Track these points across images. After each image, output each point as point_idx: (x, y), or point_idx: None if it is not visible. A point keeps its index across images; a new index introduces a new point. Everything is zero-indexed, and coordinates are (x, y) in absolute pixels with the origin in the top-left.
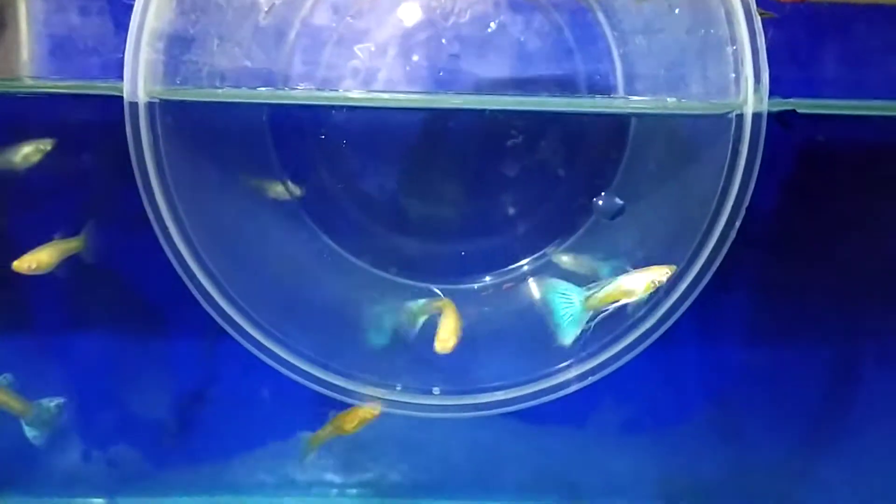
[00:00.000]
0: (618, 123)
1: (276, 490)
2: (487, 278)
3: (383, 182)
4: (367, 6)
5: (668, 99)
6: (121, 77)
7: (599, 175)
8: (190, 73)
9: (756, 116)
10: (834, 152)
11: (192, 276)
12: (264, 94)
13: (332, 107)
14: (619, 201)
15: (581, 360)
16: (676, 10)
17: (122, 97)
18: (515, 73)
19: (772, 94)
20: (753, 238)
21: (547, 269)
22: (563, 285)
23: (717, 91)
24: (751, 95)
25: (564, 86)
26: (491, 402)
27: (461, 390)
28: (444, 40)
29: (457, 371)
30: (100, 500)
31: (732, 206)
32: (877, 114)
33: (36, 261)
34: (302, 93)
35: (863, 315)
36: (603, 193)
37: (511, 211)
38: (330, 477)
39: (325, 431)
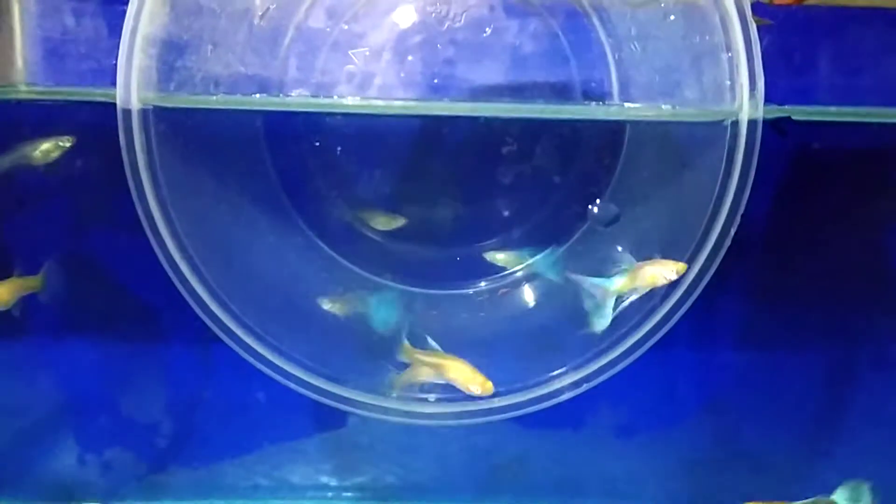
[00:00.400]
0: (613, 130)
1: (272, 494)
2: (482, 284)
3: (378, 187)
4: (363, 11)
5: (664, 106)
6: (115, 82)
7: (594, 181)
8: (184, 80)
9: (751, 123)
10: (828, 159)
11: (185, 282)
12: (258, 101)
13: (327, 113)
14: (614, 209)
15: (576, 367)
16: (671, 17)
17: (115, 104)
18: (511, 78)
19: (767, 100)
20: (748, 243)
21: (542, 276)
22: (590, 280)
23: (713, 98)
24: (746, 102)
25: (560, 91)
26: (486, 409)
27: (456, 397)
28: (439, 45)
29: None
30: None
31: (728, 213)
32: (871, 121)
33: None
34: (297, 100)
35: (857, 319)
36: (598, 201)
37: (506, 217)
38: (325, 480)
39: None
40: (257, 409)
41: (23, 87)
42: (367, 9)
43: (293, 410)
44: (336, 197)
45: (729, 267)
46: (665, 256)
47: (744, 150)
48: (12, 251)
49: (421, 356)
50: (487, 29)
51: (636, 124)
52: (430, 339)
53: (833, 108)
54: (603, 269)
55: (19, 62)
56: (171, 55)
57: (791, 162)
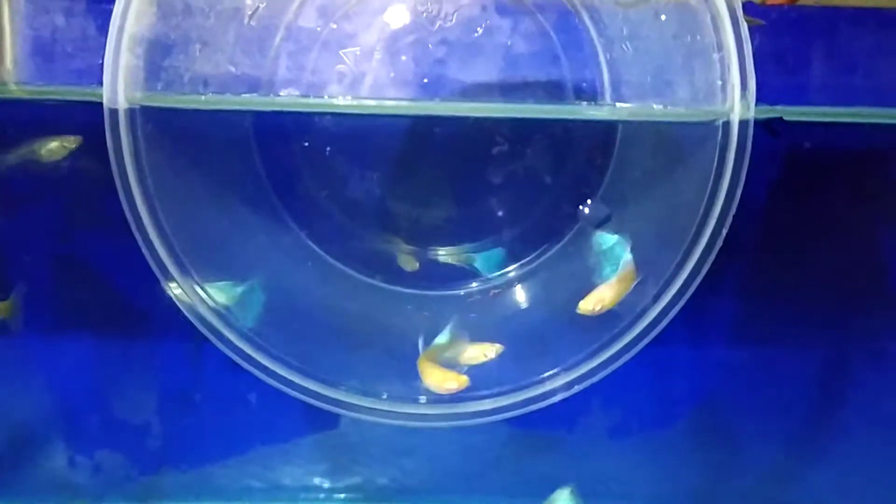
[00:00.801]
0: (604, 130)
1: (264, 495)
2: (474, 284)
3: (369, 188)
4: (354, 10)
5: (655, 106)
6: (101, 83)
7: (586, 182)
8: (171, 79)
9: (743, 123)
10: (820, 159)
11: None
12: (248, 101)
13: (318, 113)
14: (605, 209)
15: (569, 368)
16: (663, 17)
17: (102, 103)
18: (502, 77)
19: (758, 101)
20: (741, 243)
21: (534, 276)
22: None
23: (704, 98)
24: (737, 102)
25: (551, 91)
26: (478, 411)
27: (448, 398)
28: (430, 45)
29: None
30: None
31: (719, 214)
32: (863, 121)
33: None
34: (286, 99)
35: (850, 318)
36: (590, 201)
37: (497, 217)
38: (318, 481)
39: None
40: (249, 410)
41: (12, 87)
42: (359, 8)
43: (285, 411)
44: (326, 197)
45: (721, 266)
46: (657, 256)
47: (735, 151)
48: (5, 247)
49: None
50: (479, 28)
51: (628, 124)
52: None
53: (825, 109)
54: (594, 269)
55: (8, 61)
56: (159, 54)
57: (783, 162)
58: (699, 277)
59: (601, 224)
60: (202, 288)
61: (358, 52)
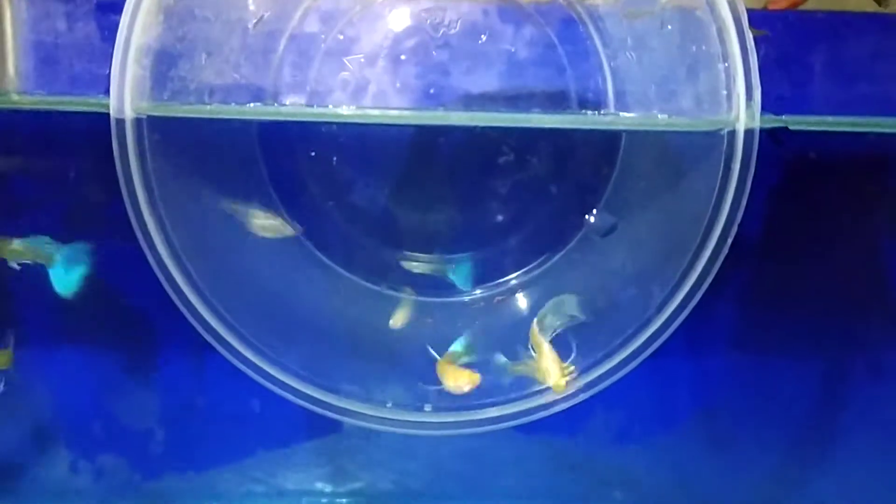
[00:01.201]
0: (608, 139)
1: (266, 500)
2: (478, 292)
3: (374, 196)
4: (357, 17)
5: (659, 115)
6: (108, 91)
7: (590, 190)
8: (178, 89)
9: (748, 133)
10: (825, 168)
11: (179, 291)
12: (252, 111)
13: (322, 123)
14: (611, 219)
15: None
16: (668, 27)
17: (108, 113)
18: (506, 86)
19: (763, 110)
20: (745, 252)
21: (537, 283)
22: None
23: (709, 108)
24: (742, 112)
25: (555, 100)
26: (483, 419)
27: (453, 406)
28: (434, 52)
29: None
30: None
31: (724, 223)
32: (868, 130)
33: None
34: (291, 109)
35: (852, 327)
36: (595, 210)
37: (502, 225)
38: (320, 486)
39: None
40: (251, 415)
41: (15, 97)
42: (362, 15)
43: (287, 416)
44: (331, 205)
45: (726, 275)
46: (662, 265)
47: (740, 160)
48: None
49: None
50: (483, 36)
51: (632, 133)
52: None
53: (829, 118)
54: (598, 279)
55: (11, 70)
56: (165, 64)
57: (788, 171)
58: (704, 286)
59: (606, 233)
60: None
61: (362, 60)
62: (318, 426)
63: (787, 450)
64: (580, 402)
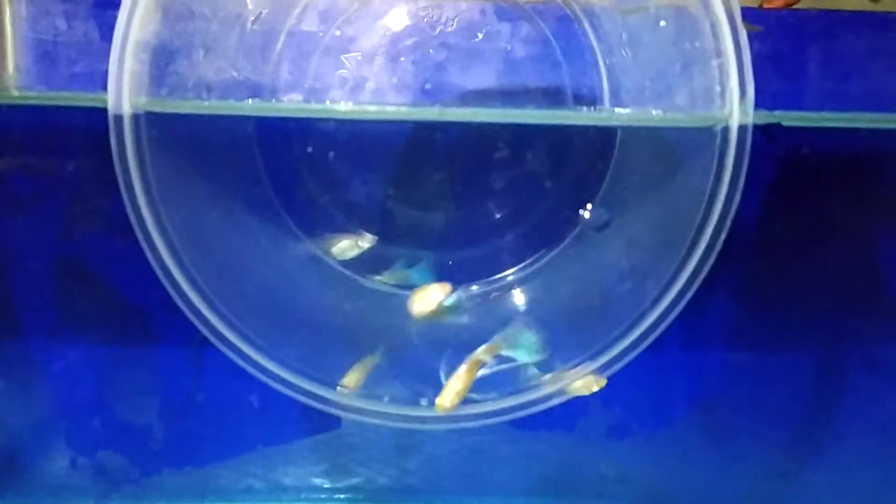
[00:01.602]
0: (604, 135)
1: (265, 496)
2: (474, 287)
3: (371, 192)
4: (355, 15)
5: (654, 111)
6: (106, 87)
7: (585, 186)
8: (175, 85)
9: (741, 129)
10: (818, 164)
11: (177, 286)
12: (250, 107)
13: (320, 119)
14: (605, 214)
15: (566, 371)
16: (662, 23)
17: (106, 109)
18: (502, 83)
19: (756, 106)
20: (739, 248)
21: (533, 279)
22: None
23: (703, 104)
24: (736, 108)
25: (551, 96)
26: (479, 413)
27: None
28: (431, 50)
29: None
30: None
31: (718, 218)
32: (861, 126)
33: None
34: (288, 105)
35: (846, 321)
36: (589, 206)
37: (498, 221)
38: (319, 482)
39: None
40: (250, 411)
41: (14, 92)
42: (360, 13)
43: (286, 412)
44: (328, 201)
45: (719, 270)
46: (656, 260)
47: (734, 156)
48: (4, 255)
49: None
50: (479, 34)
51: (627, 129)
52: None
53: (822, 114)
54: (594, 271)
55: (10, 67)
56: (163, 60)
57: (781, 167)
58: (698, 281)
59: (601, 228)
60: None
61: (359, 57)
62: (317, 422)
63: (784, 444)
64: (578, 398)
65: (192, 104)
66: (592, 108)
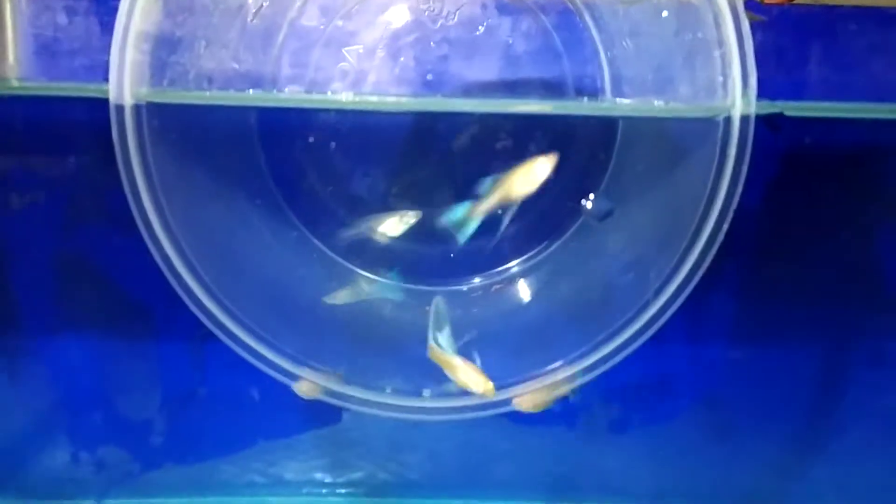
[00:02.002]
0: (605, 126)
1: (266, 490)
2: (476, 280)
3: (372, 184)
4: (356, 8)
5: (656, 102)
6: (107, 78)
7: (587, 177)
8: (177, 76)
9: (744, 119)
10: (821, 154)
11: (179, 278)
12: (252, 97)
13: (321, 110)
14: (608, 203)
15: (571, 362)
16: (664, 14)
17: (107, 100)
18: (504, 75)
19: (759, 97)
20: (741, 239)
21: (536, 271)
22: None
23: (705, 94)
24: (738, 98)
25: (553, 88)
26: (481, 404)
27: (451, 392)
28: (432, 43)
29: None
30: (88, 502)
31: (721, 209)
32: (864, 116)
33: None
34: (290, 96)
35: (850, 315)
36: (592, 196)
37: (500, 212)
38: (320, 476)
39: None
40: (251, 405)
41: (14, 83)
42: (361, 7)
43: (287, 407)
44: (330, 193)
45: (722, 261)
46: (660, 250)
47: (736, 146)
48: (9, 245)
49: (440, 356)
50: (480, 27)
51: (629, 120)
52: (439, 338)
53: (825, 104)
54: (596, 263)
55: (11, 58)
56: (164, 51)
57: (784, 158)
58: (701, 272)
59: (603, 218)
60: None
61: (360, 51)
62: (318, 417)
63: (788, 439)
64: (580, 392)
65: (194, 94)
66: (594, 98)
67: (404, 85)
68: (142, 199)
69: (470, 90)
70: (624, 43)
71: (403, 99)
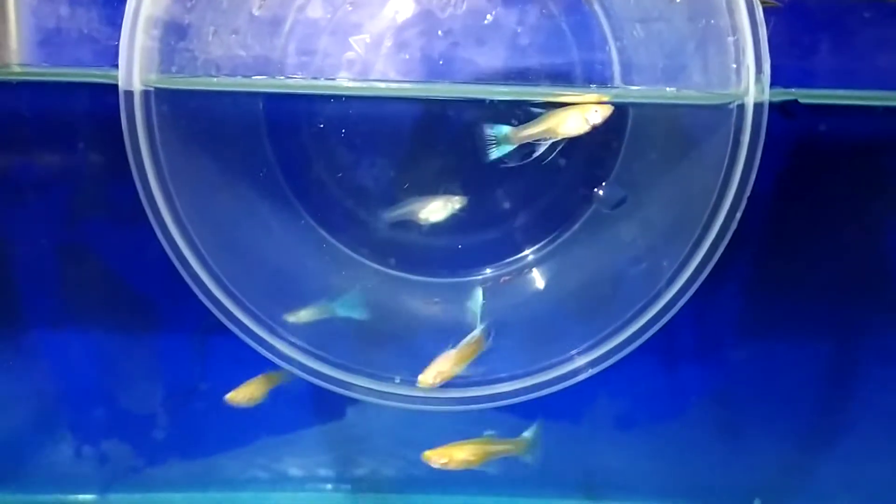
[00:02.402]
0: (617, 114)
1: (270, 486)
2: (488, 270)
3: (380, 173)
4: None
5: (668, 89)
6: (112, 66)
7: (599, 165)
8: (185, 62)
9: (757, 106)
10: (835, 142)
11: (187, 265)
12: (260, 83)
13: (328, 96)
14: (620, 191)
15: (581, 353)
16: (676, 0)
17: (116, 85)
18: (512, 63)
19: (773, 84)
20: (753, 230)
21: (547, 260)
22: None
23: (718, 81)
24: (752, 85)
25: (561, 76)
26: (489, 395)
27: (461, 383)
28: (440, 32)
29: None
30: (91, 496)
31: (734, 197)
32: (879, 104)
33: None
34: (297, 82)
35: (861, 310)
36: (604, 184)
37: (510, 202)
38: (324, 472)
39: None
40: None
41: (16, 68)
42: None
43: (291, 402)
44: (337, 183)
45: (733, 255)
46: (672, 238)
47: (750, 134)
48: (12, 237)
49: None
50: (489, 15)
51: (640, 107)
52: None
53: (839, 91)
54: (607, 253)
55: (14, 45)
56: (173, 37)
57: (797, 145)
58: (713, 261)
59: (616, 206)
60: None
61: (367, 40)
62: (323, 413)
63: (796, 435)
64: (585, 389)
65: (203, 80)
66: (603, 86)
67: (411, 74)
68: (150, 185)
69: (478, 79)
70: (634, 30)
71: (411, 85)
